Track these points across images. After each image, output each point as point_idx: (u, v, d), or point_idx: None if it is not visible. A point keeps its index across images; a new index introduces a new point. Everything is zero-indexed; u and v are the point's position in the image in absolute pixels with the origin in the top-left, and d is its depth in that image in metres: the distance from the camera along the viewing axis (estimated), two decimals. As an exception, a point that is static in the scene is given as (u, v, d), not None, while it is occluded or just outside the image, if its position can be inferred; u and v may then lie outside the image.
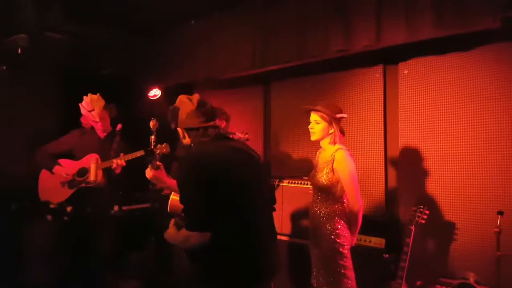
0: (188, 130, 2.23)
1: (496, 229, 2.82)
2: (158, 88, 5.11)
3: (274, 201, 2.39)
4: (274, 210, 2.35)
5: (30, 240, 3.88)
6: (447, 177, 3.32)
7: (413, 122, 3.53)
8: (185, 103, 2.23)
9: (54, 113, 4.53)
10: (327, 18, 3.43)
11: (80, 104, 3.75)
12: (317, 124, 2.89)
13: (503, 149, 3.05)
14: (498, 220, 2.82)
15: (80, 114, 3.91)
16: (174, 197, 2.88)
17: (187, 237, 2.02)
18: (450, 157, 3.32)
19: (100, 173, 3.53)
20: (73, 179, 3.68)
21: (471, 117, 3.23)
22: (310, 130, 2.92)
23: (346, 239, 2.81)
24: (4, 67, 4.30)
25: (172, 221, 2.23)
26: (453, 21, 2.81)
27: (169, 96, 5.11)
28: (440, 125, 3.39)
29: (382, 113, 3.73)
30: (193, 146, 2.24)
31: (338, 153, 2.81)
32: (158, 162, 2.56)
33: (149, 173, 2.55)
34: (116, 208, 3.80)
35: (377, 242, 3.39)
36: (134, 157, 3.50)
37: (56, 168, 3.70)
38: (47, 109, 4.51)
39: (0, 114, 4.21)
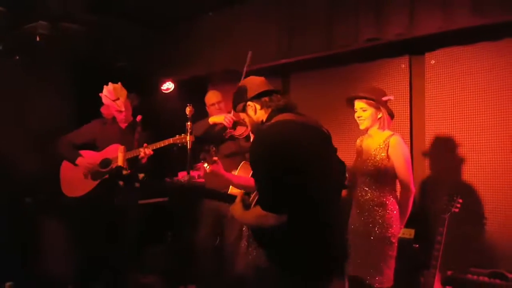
0: (259, 97, 2.15)
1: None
2: (171, 81, 5.04)
3: (344, 179, 2.30)
4: (346, 187, 2.25)
5: (47, 234, 3.79)
6: (476, 167, 3.32)
7: (440, 113, 3.53)
8: (251, 79, 2.25)
9: (68, 104, 4.43)
10: (357, 5, 3.41)
11: (101, 94, 3.66)
12: (364, 111, 2.81)
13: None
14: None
15: (98, 105, 3.81)
16: (233, 189, 2.85)
17: (262, 216, 1.90)
18: (480, 147, 3.32)
19: (126, 163, 3.45)
20: (96, 171, 3.60)
21: (500, 107, 3.23)
22: (358, 119, 2.84)
23: (398, 228, 2.78)
24: (17, 57, 4.19)
25: (239, 196, 2.13)
26: (492, 9, 2.81)
27: (183, 89, 5.06)
28: (468, 115, 3.39)
29: (408, 104, 3.72)
30: (266, 124, 2.12)
31: (394, 139, 2.77)
32: (214, 158, 2.54)
33: (207, 168, 2.55)
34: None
35: (406, 232, 3.36)
36: (161, 146, 3.42)
37: (79, 160, 3.61)
38: (61, 100, 4.41)
39: (13, 106, 4.11)
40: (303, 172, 1.93)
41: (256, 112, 2.18)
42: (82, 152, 3.65)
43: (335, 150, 2.20)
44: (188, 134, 2.76)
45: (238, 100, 2.21)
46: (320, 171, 2.01)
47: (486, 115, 3.30)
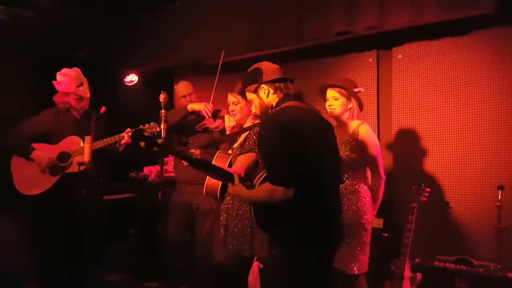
0: (274, 82, 2.23)
1: (498, 203, 2.95)
2: (135, 74, 4.90)
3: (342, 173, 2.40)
4: (343, 182, 2.41)
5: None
6: (443, 158, 3.44)
7: (407, 106, 3.63)
8: (267, 64, 2.30)
9: (22, 95, 4.16)
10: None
11: (56, 82, 3.42)
12: (335, 100, 2.86)
13: (499, 127, 3.20)
14: (499, 195, 2.95)
15: (52, 93, 3.56)
16: (210, 179, 2.79)
17: (271, 191, 2.00)
18: (446, 138, 3.44)
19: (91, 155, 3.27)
20: (55, 165, 3.38)
21: (465, 99, 3.36)
22: (329, 107, 2.88)
23: (371, 215, 2.84)
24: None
25: (237, 177, 2.20)
26: (458, 4, 2.91)
27: (147, 82, 4.93)
28: (434, 109, 3.50)
29: (376, 98, 3.80)
30: (276, 109, 2.21)
31: (363, 127, 2.83)
32: (193, 150, 2.49)
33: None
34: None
35: (375, 222, 3.41)
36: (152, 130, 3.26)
37: (35, 154, 3.34)
38: (15, 91, 4.14)
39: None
40: (311, 152, 2.06)
41: (268, 96, 2.25)
42: (35, 145, 3.39)
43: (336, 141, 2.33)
44: (163, 122, 2.66)
45: (252, 81, 2.28)
46: (326, 154, 2.16)
47: (451, 108, 3.42)
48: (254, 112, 2.35)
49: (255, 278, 3.35)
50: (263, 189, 2.06)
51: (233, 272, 2.80)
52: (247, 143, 2.79)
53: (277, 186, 1.99)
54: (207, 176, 2.82)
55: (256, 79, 2.26)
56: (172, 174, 3.98)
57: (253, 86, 2.27)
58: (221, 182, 2.78)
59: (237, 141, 2.97)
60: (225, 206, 2.84)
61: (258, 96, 2.27)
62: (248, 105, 2.89)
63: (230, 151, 3.01)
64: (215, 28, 4.07)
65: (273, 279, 2.16)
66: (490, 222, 3.06)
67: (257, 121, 2.87)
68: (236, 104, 2.96)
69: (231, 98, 2.97)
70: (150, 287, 3.99)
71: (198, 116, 3.44)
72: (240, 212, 2.75)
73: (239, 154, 2.78)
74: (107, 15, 4.59)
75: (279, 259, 2.11)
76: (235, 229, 2.74)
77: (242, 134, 2.90)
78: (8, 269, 3.34)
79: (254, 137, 2.76)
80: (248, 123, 2.96)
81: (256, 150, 2.70)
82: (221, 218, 2.86)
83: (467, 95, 3.35)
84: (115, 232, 4.17)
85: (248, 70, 2.34)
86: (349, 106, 2.87)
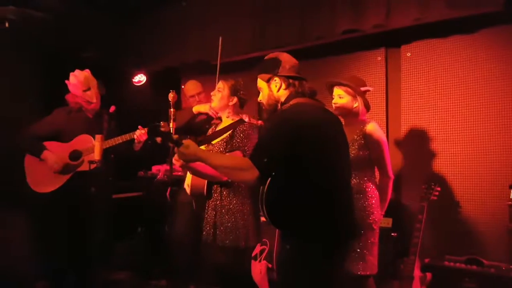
0: (289, 78, 2.16)
1: (509, 202, 2.91)
2: (143, 74, 4.92)
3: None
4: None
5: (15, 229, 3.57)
6: (453, 156, 3.42)
7: (416, 104, 3.61)
8: (287, 57, 2.21)
9: (31, 94, 4.19)
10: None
11: (68, 82, 3.46)
12: (340, 98, 2.83)
13: (510, 125, 3.18)
14: (511, 194, 2.92)
15: (63, 96, 3.61)
16: (194, 179, 2.78)
17: (242, 167, 1.98)
18: (456, 137, 3.42)
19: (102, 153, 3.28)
20: (67, 164, 3.41)
21: (475, 98, 3.34)
22: (334, 105, 2.86)
23: (379, 214, 2.81)
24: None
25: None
26: (466, 1, 2.89)
27: (154, 82, 4.94)
28: (444, 107, 3.48)
29: (384, 96, 3.78)
30: (285, 105, 2.15)
31: (371, 125, 2.80)
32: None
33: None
34: None
35: (384, 221, 3.39)
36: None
37: (46, 154, 3.37)
38: (24, 90, 4.17)
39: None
40: (321, 148, 2.03)
41: (279, 90, 2.18)
42: (47, 143, 3.42)
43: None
44: (172, 121, 2.65)
45: (268, 70, 2.21)
46: (335, 150, 2.12)
47: (460, 106, 3.40)
48: (260, 100, 2.27)
49: (263, 278, 3.35)
50: (232, 157, 2.05)
51: (230, 266, 2.80)
52: (234, 141, 2.75)
53: (251, 164, 1.94)
54: (191, 176, 2.81)
55: (272, 69, 2.18)
56: (180, 173, 3.98)
57: (267, 76, 2.20)
58: (206, 180, 2.77)
59: (209, 133, 2.95)
60: (213, 203, 2.83)
61: (269, 87, 2.20)
62: (229, 100, 2.87)
63: (204, 147, 2.93)
64: (220, 28, 4.06)
65: (285, 273, 2.11)
66: (501, 221, 3.05)
67: (237, 117, 2.88)
68: (219, 91, 2.91)
69: (219, 84, 2.93)
70: (157, 286, 4.01)
71: (208, 115, 3.44)
72: (231, 206, 2.76)
73: (228, 152, 2.73)
74: (116, 16, 4.61)
75: (291, 254, 2.05)
76: (229, 224, 2.75)
77: (227, 132, 2.85)
78: (18, 266, 3.37)
79: (241, 134, 2.74)
80: (223, 117, 2.94)
81: (243, 148, 2.68)
82: (206, 215, 2.86)
83: (477, 93, 3.33)
84: (123, 231, 4.19)
85: (267, 57, 2.26)
86: (355, 105, 2.84)
